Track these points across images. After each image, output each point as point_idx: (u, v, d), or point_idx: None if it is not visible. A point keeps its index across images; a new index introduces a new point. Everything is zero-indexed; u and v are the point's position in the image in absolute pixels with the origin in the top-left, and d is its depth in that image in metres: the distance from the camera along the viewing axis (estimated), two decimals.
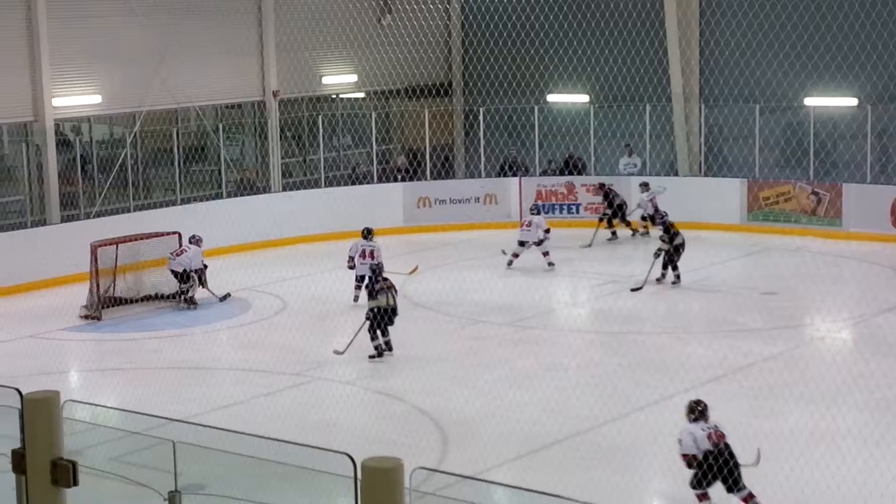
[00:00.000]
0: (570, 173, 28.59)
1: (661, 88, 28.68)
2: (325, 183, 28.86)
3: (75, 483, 5.56)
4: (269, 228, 25.87)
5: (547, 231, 23.49)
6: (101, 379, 17.62)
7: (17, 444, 7.10)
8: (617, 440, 13.90)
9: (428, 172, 28.90)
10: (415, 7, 28.14)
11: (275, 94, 28.66)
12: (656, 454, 13.26)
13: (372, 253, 20.45)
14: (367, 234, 21.03)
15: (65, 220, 24.67)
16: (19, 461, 5.54)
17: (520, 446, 13.84)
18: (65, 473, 5.52)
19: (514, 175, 28.83)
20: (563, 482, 12.80)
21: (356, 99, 31.36)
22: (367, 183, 28.69)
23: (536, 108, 29.16)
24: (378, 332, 17.55)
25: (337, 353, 17.72)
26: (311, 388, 16.44)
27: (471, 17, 31.46)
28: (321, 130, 28.91)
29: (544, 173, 29.14)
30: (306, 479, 7.65)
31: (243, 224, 25.74)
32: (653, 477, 13.18)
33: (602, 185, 26.72)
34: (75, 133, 26.46)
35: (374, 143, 29.26)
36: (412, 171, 29.36)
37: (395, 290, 17.97)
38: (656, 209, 25.13)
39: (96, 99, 25.46)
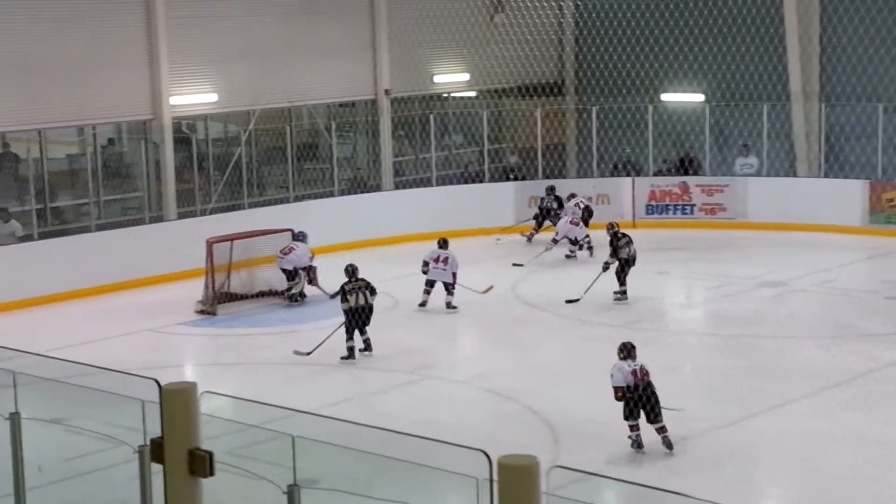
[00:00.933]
0: (685, 173, 28.21)
1: (779, 87, 28.14)
2: (437, 182, 28.87)
3: (212, 473, 5.61)
4: (380, 226, 25.96)
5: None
6: (215, 373, 17.80)
7: (141, 437, 7.19)
8: (733, 445, 13.62)
9: (540, 171, 28.74)
10: (527, 4, 28.03)
11: (387, 93, 28.75)
12: (774, 460, 12.98)
13: (446, 259, 20.37)
14: (443, 244, 20.94)
15: (181, 216, 25.03)
16: (157, 450, 5.61)
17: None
18: (201, 463, 5.58)
19: (628, 175, 28.54)
20: (678, 487, 12.55)
21: (468, 97, 31.33)
22: (479, 182, 28.62)
23: (650, 107, 28.82)
24: (354, 332, 17.51)
25: (298, 353, 17.78)
26: (422, 386, 16.43)
27: (584, 15, 31.18)
28: (433, 129, 28.93)
29: (658, 173, 28.79)
30: (423, 476, 7.58)
31: (355, 222, 25.89)
32: (769, 483, 12.89)
33: (550, 189, 26.54)
34: (191, 131, 26.84)
35: (485, 141, 29.19)
36: (524, 170, 29.22)
37: (372, 290, 17.84)
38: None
39: (213, 97, 25.80)
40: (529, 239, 26.09)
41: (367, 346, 17.69)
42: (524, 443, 13.80)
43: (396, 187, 28.61)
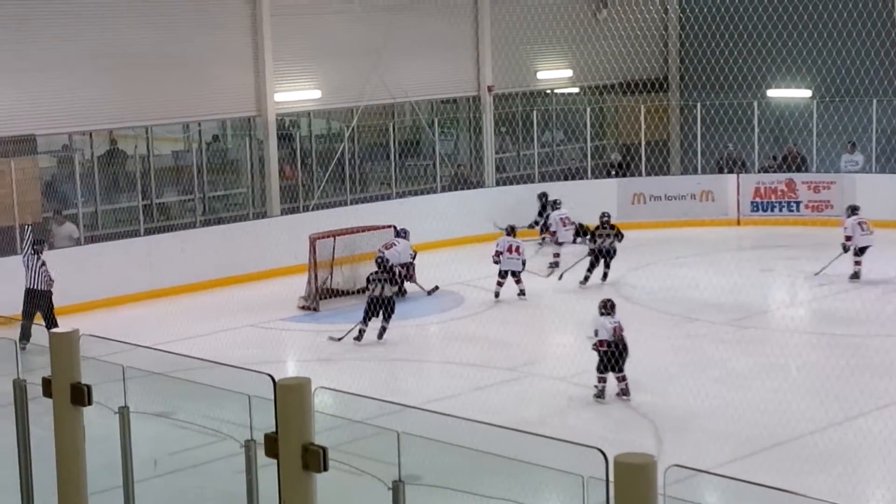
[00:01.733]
0: (791, 170, 27.80)
1: (888, 82, 27.57)
2: (539, 178, 28.81)
3: (325, 468, 5.66)
4: (483, 223, 25.96)
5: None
6: (317, 369, 17.93)
7: (247, 431, 7.28)
8: (838, 446, 13.40)
9: (643, 168, 28.53)
10: (631, 1, 27.79)
11: (489, 89, 28.75)
12: (880, 461, 12.74)
13: (518, 248, 20.82)
14: (512, 231, 21.47)
15: (284, 212, 25.30)
16: (272, 445, 5.67)
17: (737, 448, 13.47)
18: (315, 458, 5.63)
19: (732, 172, 28.20)
20: (785, 486, 12.38)
21: (571, 94, 31.20)
22: (582, 178, 28.48)
23: (756, 103, 28.43)
24: (370, 318, 18.42)
25: (332, 339, 18.63)
26: (523, 383, 16.42)
27: (688, 10, 30.87)
28: (535, 125, 28.86)
29: (763, 170, 28.39)
30: (527, 475, 7.59)
31: (457, 218, 25.92)
32: (878, 485, 12.65)
33: (541, 196, 26.24)
34: (295, 127, 27.11)
35: (588, 138, 29.06)
36: (627, 167, 29.04)
37: (393, 282, 18.94)
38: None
39: (316, 94, 26.02)
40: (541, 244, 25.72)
41: (380, 334, 18.50)
42: (629, 440, 13.76)
43: (498, 184, 28.59)
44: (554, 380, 16.44)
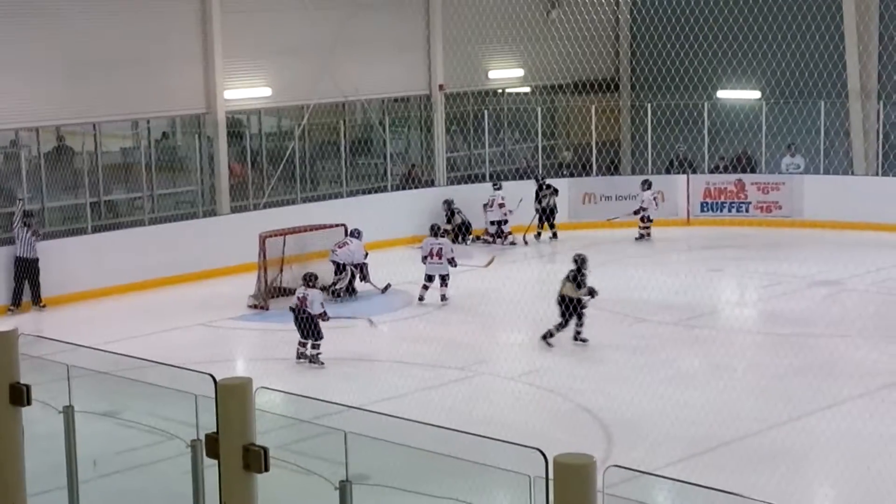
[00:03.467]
0: (741, 171, 27.99)
1: (837, 85, 27.84)
2: (491, 178, 28.83)
3: (266, 469, 5.63)
4: (432, 221, 25.89)
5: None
6: (266, 368, 17.86)
7: (193, 431, 7.22)
8: (785, 445, 13.49)
9: (594, 168, 28.63)
10: (583, 1, 27.88)
11: (441, 88, 28.75)
12: (827, 460, 12.86)
13: (440, 252, 20.50)
14: (437, 230, 21.11)
15: (234, 210, 25.16)
16: (213, 445, 5.62)
17: (685, 448, 13.54)
18: (256, 459, 5.60)
19: (683, 172, 28.37)
20: (729, 486, 12.45)
21: (522, 93, 31.25)
22: (532, 178, 28.53)
23: (706, 104, 28.61)
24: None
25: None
26: (474, 382, 16.42)
27: (640, 11, 31.05)
28: (487, 125, 28.88)
29: (713, 171, 28.58)
30: (475, 474, 7.57)
31: (408, 217, 25.92)
32: (822, 483, 12.76)
33: (446, 203, 26.51)
34: (245, 125, 26.97)
35: (539, 138, 29.11)
36: (578, 167, 29.13)
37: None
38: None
39: (266, 92, 25.90)
40: (537, 237, 26.48)
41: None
42: (578, 441, 13.76)
43: (450, 183, 28.59)
44: (504, 379, 16.46)
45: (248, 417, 5.56)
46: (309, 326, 17.51)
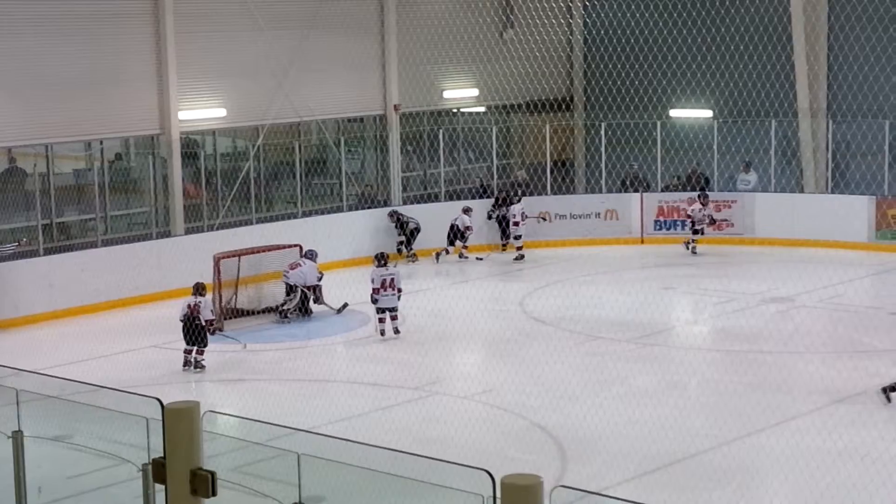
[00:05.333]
0: (694, 189, 28.21)
1: (787, 103, 28.16)
2: (445, 197, 28.91)
3: (213, 493, 5.59)
4: (388, 241, 25.99)
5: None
6: (221, 390, 17.83)
7: (145, 454, 7.20)
8: (737, 461, 13.62)
9: (548, 187, 28.77)
10: (537, 21, 28.04)
11: (396, 108, 28.81)
12: (778, 476, 12.97)
13: (392, 282, 19.71)
14: (382, 260, 20.11)
15: (188, 231, 25.06)
16: (159, 470, 5.59)
17: (639, 465, 13.63)
18: (204, 483, 5.57)
19: (636, 191, 28.56)
20: (682, 503, 12.59)
21: (477, 113, 31.37)
22: (487, 197, 28.62)
23: (659, 123, 28.83)
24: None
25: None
26: (428, 402, 16.44)
27: (593, 32, 31.26)
28: (442, 144, 28.96)
29: (667, 189, 28.80)
30: (429, 495, 7.59)
31: (363, 237, 25.94)
32: (773, 500, 12.87)
33: (392, 214, 26.72)
34: (199, 146, 26.89)
35: (494, 157, 29.23)
36: (532, 186, 29.25)
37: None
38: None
39: (221, 112, 25.86)
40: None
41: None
42: (533, 459, 13.83)
43: (405, 203, 28.62)
44: (459, 398, 16.48)
45: (195, 441, 5.53)
46: (197, 333, 18.31)
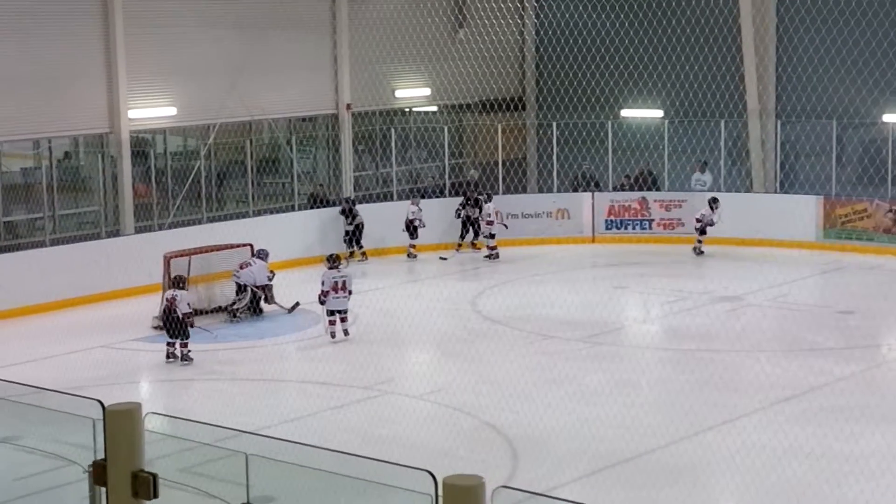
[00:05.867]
0: (645, 189, 28.39)
1: (736, 104, 28.39)
2: (398, 196, 28.90)
3: (155, 495, 5.55)
4: (340, 240, 25.93)
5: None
6: (171, 390, 17.74)
7: (91, 455, 7.14)
8: (688, 459, 13.70)
9: (500, 186, 28.83)
10: (489, 21, 28.11)
11: (348, 108, 28.77)
12: (727, 474, 13.08)
13: (344, 284, 19.61)
14: (335, 262, 20.08)
15: (138, 231, 24.91)
16: (100, 473, 5.55)
17: (590, 463, 13.69)
18: (145, 486, 5.52)
19: (587, 190, 28.68)
20: (633, 501, 12.67)
21: (429, 112, 31.39)
22: (439, 196, 28.65)
23: (610, 123, 28.98)
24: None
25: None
26: (380, 402, 16.42)
27: (545, 32, 31.35)
28: (394, 144, 28.95)
29: (617, 188, 28.94)
30: (377, 494, 7.60)
31: (315, 236, 25.88)
32: (722, 497, 12.97)
33: (347, 201, 26.81)
34: (150, 145, 26.74)
35: (446, 156, 29.25)
36: (484, 185, 29.31)
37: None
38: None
39: (171, 111, 25.71)
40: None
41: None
42: (484, 458, 13.85)
43: (357, 202, 28.53)
44: (410, 398, 16.49)
45: (136, 443, 5.49)
46: (177, 327, 18.41)
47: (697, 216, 26.21)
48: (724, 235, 26.72)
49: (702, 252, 26.13)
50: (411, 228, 26.21)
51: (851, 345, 18.69)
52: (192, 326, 18.61)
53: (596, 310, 21.25)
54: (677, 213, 27.63)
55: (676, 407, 15.57)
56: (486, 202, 26.51)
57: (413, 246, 26.38)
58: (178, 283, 18.99)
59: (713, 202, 26.11)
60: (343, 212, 26.27)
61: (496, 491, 5.75)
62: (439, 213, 27.03)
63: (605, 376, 17.34)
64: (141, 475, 5.49)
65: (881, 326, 20.22)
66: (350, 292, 19.70)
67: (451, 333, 20.06)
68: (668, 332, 20.47)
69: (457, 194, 28.19)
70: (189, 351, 18.51)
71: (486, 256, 26.22)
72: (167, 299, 18.67)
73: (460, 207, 27.11)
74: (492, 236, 26.27)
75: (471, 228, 26.99)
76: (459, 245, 27.03)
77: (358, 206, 26.58)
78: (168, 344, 18.55)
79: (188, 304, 18.70)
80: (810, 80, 27.42)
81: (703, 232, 26.05)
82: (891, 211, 25.64)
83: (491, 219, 26.27)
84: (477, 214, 26.65)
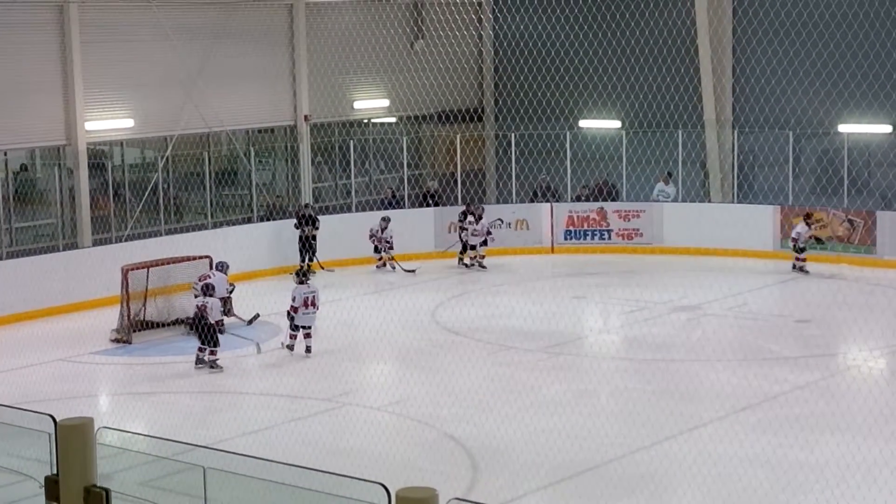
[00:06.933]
0: (603, 199, 28.49)
1: (694, 114, 28.59)
2: (357, 208, 28.88)
3: None
4: (299, 253, 25.86)
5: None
6: (130, 403, 17.61)
7: (48, 470, 7.09)
8: (647, 469, 13.76)
9: (459, 197, 28.86)
10: (447, 32, 28.17)
11: (306, 119, 28.73)
12: (686, 483, 13.13)
13: (314, 300, 19.49)
14: (304, 277, 19.94)
15: (96, 243, 24.76)
16: (52, 488, 5.50)
17: (549, 474, 13.71)
18: (98, 501, 5.47)
19: (547, 201, 28.77)
20: None
21: (388, 124, 31.40)
22: (399, 208, 28.66)
23: (568, 134, 29.09)
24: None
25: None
26: (340, 413, 16.39)
27: (503, 43, 31.48)
28: (353, 155, 28.94)
29: (576, 199, 29.05)
30: None
31: (274, 248, 25.81)
32: None
33: (307, 206, 26.71)
34: (107, 157, 26.59)
35: (405, 167, 29.28)
36: (443, 196, 29.35)
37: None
38: None
39: (129, 123, 25.59)
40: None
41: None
42: (444, 470, 13.85)
43: (316, 213, 28.50)
44: (371, 409, 16.47)
45: (88, 458, 5.44)
46: (207, 334, 18.67)
47: (793, 234, 24.86)
48: (681, 245, 26.92)
49: (807, 272, 24.75)
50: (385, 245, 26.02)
51: (808, 354, 18.83)
52: (222, 333, 18.90)
53: (555, 320, 21.31)
54: (636, 223, 27.77)
55: (635, 417, 15.62)
56: (479, 216, 26.41)
57: (381, 258, 26.17)
58: (208, 290, 19.14)
59: (808, 217, 24.88)
60: (305, 218, 26.02)
61: (450, 503, 5.76)
62: (402, 225, 27.00)
63: (564, 387, 17.39)
64: (94, 490, 5.45)
65: (838, 335, 20.39)
66: (317, 308, 19.64)
67: (411, 345, 20.06)
68: (627, 342, 20.55)
69: (423, 205, 28.31)
70: (217, 360, 18.71)
71: (477, 265, 26.19)
72: (197, 306, 18.94)
73: (461, 220, 26.72)
74: (483, 244, 26.23)
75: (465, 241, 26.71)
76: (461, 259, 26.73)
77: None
78: (199, 350, 18.79)
79: (220, 311, 19.13)
80: (766, 90, 27.68)
81: (801, 250, 24.94)
82: (847, 220, 25.88)
83: (489, 231, 26.31)
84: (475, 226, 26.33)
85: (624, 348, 20.24)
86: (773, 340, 19.73)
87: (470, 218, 26.31)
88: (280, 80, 28.40)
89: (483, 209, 26.88)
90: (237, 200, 28.39)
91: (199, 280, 21.16)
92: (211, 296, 19.08)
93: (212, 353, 18.71)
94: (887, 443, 14.14)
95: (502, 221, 27.47)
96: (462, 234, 26.61)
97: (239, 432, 15.27)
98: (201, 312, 18.77)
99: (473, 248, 26.38)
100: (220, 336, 18.89)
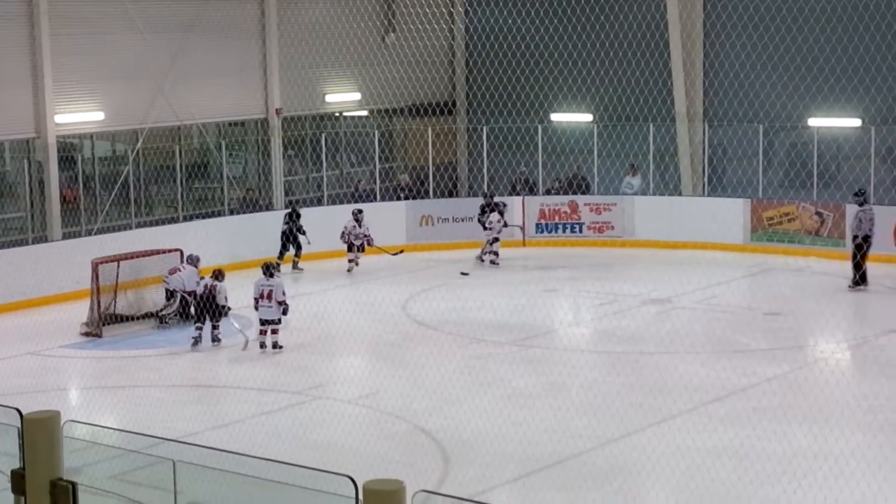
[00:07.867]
0: (574, 192, 28.58)
1: (665, 108, 28.69)
2: (328, 201, 28.86)
3: (75, 503, 5.49)
4: (271, 246, 25.80)
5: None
6: (100, 396, 17.55)
7: (16, 463, 7.07)
8: (617, 461, 13.82)
9: (431, 191, 28.88)
10: (419, 26, 28.17)
11: (278, 112, 28.68)
12: (656, 475, 13.20)
13: (270, 293, 19.20)
14: (267, 271, 19.64)
15: (66, 236, 24.65)
16: (18, 482, 5.48)
17: (520, 466, 13.76)
18: (64, 494, 5.46)
19: (526, 193, 28.84)
20: (562, 503, 12.76)
21: (359, 117, 31.38)
22: (370, 201, 28.64)
23: (540, 127, 29.15)
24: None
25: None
26: (311, 406, 16.39)
27: (475, 36, 31.49)
28: (324, 148, 28.90)
29: (548, 192, 29.12)
30: (307, 499, 7.60)
31: (245, 241, 25.75)
32: (653, 498, 13.10)
33: (296, 202, 26.87)
34: (77, 150, 26.45)
35: (377, 161, 29.25)
36: (415, 190, 29.36)
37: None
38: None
39: (99, 116, 25.47)
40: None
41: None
42: (415, 462, 13.87)
43: (287, 206, 28.46)
44: (342, 402, 16.47)
45: (54, 452, 5.43)
46: (213, 311, 19.53)
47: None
48: (652, 238, 27.02)
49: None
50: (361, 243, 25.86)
51: (777, 346, 18.96)
52: (225, 315, 19.59)
53: (526, 313, 21.37)
54: (607, 216, 27.86)
55: (605, 409, 15.68)
56: (499, 210, 26.25)
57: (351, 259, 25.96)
58: (218, 275, 19.77)
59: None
60: (291, 221, 25.99)
61: (416, 495, 5.78)
62: (373, 218, 26.93)
63: (535, 379, 17.44)
64: (60, 483, 5.44)
65: (806, 328, 20.52)
66: (281, 303, 19.22)
67: (382, 338, 20.08)
68: (599, 334, 20.62)
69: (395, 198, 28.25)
70: (219, 332, 19.54)
71: (489, 261, 25.99)
72: (206, 286, 19.61)
73: (481, 215, 26.61)
74: (496, 240, 26.01)
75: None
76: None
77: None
78: (197, 328, 19.55)
79: (226, 297, 19.60)
80: (737, 84, 27.82)
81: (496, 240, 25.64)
82: (817, 214, 26.04)
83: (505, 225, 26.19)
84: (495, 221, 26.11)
85: (595, 341, 20.31)
86: (742, 333, 19.84)
87: (494, 215, 26.06)
88: (251, 73, 28.33)
89: (504, 205, 26.72)
90: (208, 194, 28.31)
91: (170, 273, 21.13)
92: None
93: (214, 327, 19.54)
94: (853, 434, 14.27)
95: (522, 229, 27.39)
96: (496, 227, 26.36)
97: (209, 426, 15.26)
98: (209, 292, 19.44)
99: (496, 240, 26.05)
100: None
